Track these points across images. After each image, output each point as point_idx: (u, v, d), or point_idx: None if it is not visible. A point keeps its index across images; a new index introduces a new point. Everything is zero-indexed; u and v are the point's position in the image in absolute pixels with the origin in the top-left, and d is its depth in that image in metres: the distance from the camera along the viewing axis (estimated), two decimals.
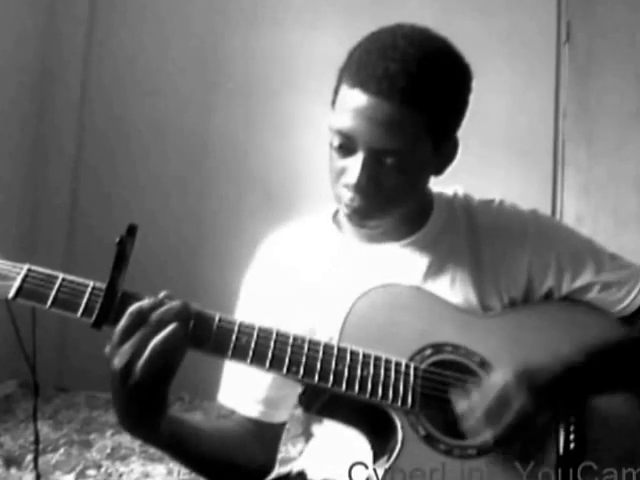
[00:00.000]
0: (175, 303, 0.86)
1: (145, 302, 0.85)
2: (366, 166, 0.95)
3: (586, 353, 0.96)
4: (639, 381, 1.01)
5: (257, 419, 1.08)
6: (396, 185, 0.97)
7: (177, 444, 0.97)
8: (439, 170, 1.05)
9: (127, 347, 0.83)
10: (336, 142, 0.97)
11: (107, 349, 0.84)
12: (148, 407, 0.87)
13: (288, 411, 1.10)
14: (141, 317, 0.84)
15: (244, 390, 1.08)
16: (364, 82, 0.93)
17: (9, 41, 3.17)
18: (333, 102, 1.00)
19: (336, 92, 0.99)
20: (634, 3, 3.25)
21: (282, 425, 1.12)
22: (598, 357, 0.97)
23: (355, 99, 0.93)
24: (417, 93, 0.92)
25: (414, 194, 1.04)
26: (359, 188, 0.96)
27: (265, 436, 1.09)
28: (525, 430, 0.89)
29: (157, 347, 0.82)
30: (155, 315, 0.84)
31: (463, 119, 1.02)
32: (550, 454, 0.93)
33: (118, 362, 0.83)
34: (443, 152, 1.02)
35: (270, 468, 1.11)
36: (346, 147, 0.97)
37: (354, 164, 0.96)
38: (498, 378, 0.90)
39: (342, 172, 0.99)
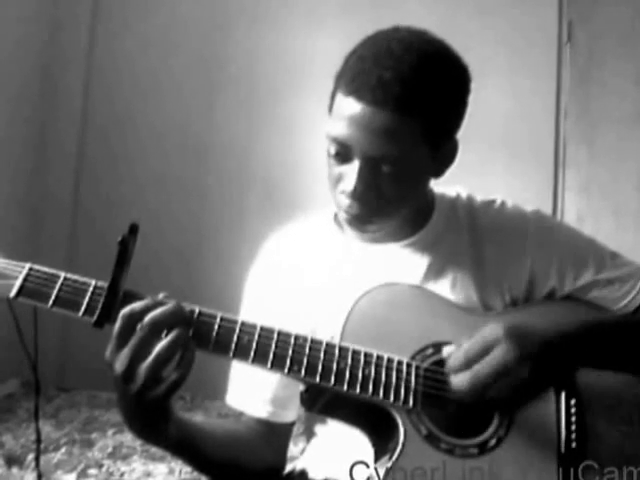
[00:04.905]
0: (168, 305, 0.85)
1: (136, 305, 0.85)
2: (362, 174, 0.95)
3: (580, 322, 0.96)
4: (633, 358, 1.01)
5: (266, 420, 1.08)
6: (394, 191, 0.97)
7: (186, 447, 0.97)
8: (438, 173, 1.04)
9: (126, 351, 0.83)
10: (332, 150, 0.97)
11: (107, 354, 0.84)
12: (153, 412, 0.87)
13: (296, 411, 1.10)
14: (133, 320, 0.83)
15: (252, 391, 1.09)
16: (358, 90, 0.92)
17: (12, 42, 3.17)
18: (330, 108, 1.00)
19: (332, 98, 0.99)
20: (635, 4, 3.25)
21: (291, 425, 1.12)
22: (592, 327, 0.97)
23: (350, 107, 0.93)
24: (412, 101, 0.92)
25: (413, 198, 1.03)
26: (356, 195, 0.96)
27: (274, 436, 1.09)
28: (503, 377, 0.87)
29: (162, 352, 0.83)
30: (148, 318, 0.83)
31: (462, 121, 1.02)
32: (551, 453, 0.93)
33: (119, 366, 0.83)
34: (441, 155, 1.01)
35: (280, 468, 1.11)
36: (342, 154, 0.97)
37: (351, 171, 0.96)
38: (487, 327, 0.91)
39: (339, 179, 0.99)
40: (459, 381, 0.88)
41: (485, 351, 0.88)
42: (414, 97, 0.92)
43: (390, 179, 0.96)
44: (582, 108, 3.27)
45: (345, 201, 0.98)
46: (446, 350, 0.92)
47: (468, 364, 0.88)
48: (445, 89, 0.96)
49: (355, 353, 0.92)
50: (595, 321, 0.99)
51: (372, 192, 0.96)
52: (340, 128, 0.95)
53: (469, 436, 0.93)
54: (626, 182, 3.22)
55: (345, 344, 0.92)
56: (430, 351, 0.96)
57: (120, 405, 0.88)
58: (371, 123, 0.92)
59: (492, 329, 0.90)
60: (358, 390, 0.90)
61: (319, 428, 1.09)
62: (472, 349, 0.89)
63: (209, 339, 0.89)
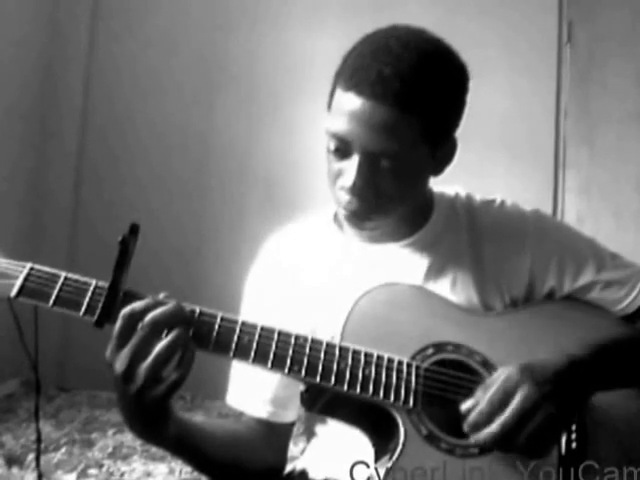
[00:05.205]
0: (169, 305, 0.86)
1: (137, 304, 0.85)
2: (362, 169, 0.95)
3: (590, 348, 0.95)
4: None
5: (266, 420, 1.08)
6: (392, 187, 0.97)
7: (186, 447, 0.97)
8: (437, 171, 1.05)
9: (126, 351, 0.83)
10: (332, 145, 0.97)
11: (107, 353, 0.84)
12: (153, 412, 0.87)
13: (296, 411, 1.10)
14: (134, 320, 0.84)
15: (252, 391, 1.09)
16: (358, 85, 0.92)
17: (12, 42, 3.17)
18: (329, 105, 1.00)
19: (331, 95, 0.99)
20: (635, 4, 3.25)
21: (291, 425, 1.12)
22: (602, 352, 0.96)
23: (350, 102, 0.93)
24: (411, 96, 0.92)
25: (412, 196, 1.03)
26: (355, 191, 0.96)
27: (275, 437, 1.09)
28: (529, 422, 0.86)
29: (162, 352, 0.83)
30: (148, 318, 0.84)
31: (461, 120, 1.02)
32: (551, 453, 0.93)
33: (119, 366, 0.83)
34: (440, 154, 1.02)
35: (280, 468, 1.11)
36: (342, 150, 0.97)
37: (350, 167, 0.96)
38: (500, 372, 0.90)
39: (339, 175, 0.99)
40: (488, 435, 0.86)
41: (506, 399, 0.87)
42: (413, 93, 0.92)
43: (389, 175, 0.96)
44: (582, 108, 3.27)
45: (344, 197, 0.98)
46: (464, 406, 0.90)
47: (492, 416, 0.87)
48: (444, 86, 0.96)
49: (355, 353, 0.92)
50: (603, 343, 0.98)
51: (371, 188, 0.96)
52: (340, 123, 0.95)
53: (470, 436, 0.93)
54: (626, 183, 3.22)
55: (345, 344, 0.92)
56: (430, 351, 0.96)
57: (120, 405, 0.88)
58: (371, 118, 0.92)
59: (506, 373, 0.89)
60: (358, 390, 0.90)
61: (319, 428, 1.09)
62: (494, 400, 0.87)
63: (209, 339, 0.89)
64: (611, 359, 0.98)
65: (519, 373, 0.88)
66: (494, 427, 0.86)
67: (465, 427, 0.89)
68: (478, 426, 0.87)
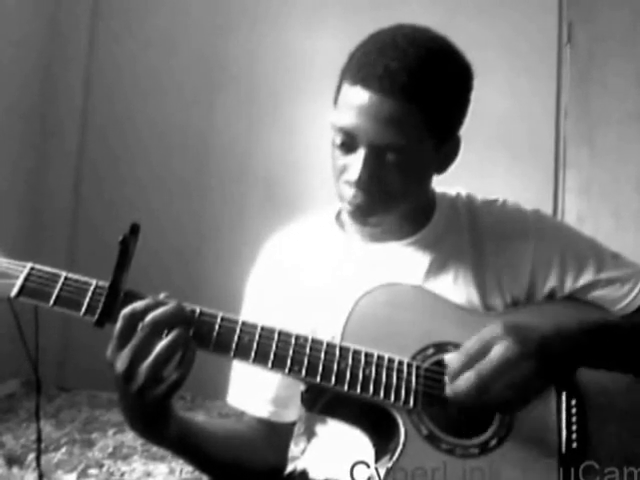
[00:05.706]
0: (169, 305, 0.86)
1: (138, 304, 0.85)
2: (368, 162, 0.96)
3: (581, 324, 0.95)
4: (634, 360, 0.99)
5: (267, 419, 1.08)
6: (397, 182, 0.98)
7: (187, 446, 0.97)
8: (441, 169, 1.05)
9: (126, 351, 0.83)
10: (338, 140, 0.98)
11: (108, 353, 0.84)
12: (154, 412, 0.87)
13: (297, 410, 1.10)
14: (134, 320, 0.84)
15: (253, 391, 1.09)
16: (365, 79, 0.93)
17: (12, 42, 3.17)
18: (335, 100, 1.00)
19: (338, 90, 1.00)
20: (635, 4, 3.25)
21: (292, 425, 1.12)
22: (594, 329, 0.96)
23: (357, 96, 0.94)
24: (418, 91, 0.93)
25: (415, 191, 1.04)
26: (361, 184, 0.97)
27: (275, 436, 1.09)
28: (505, 375, 0.85)
29: (162, 352, 0.83)
30: (149, 318, 0.84)
31: (465, 117, 1.02)
32: (552, 453, 0.93)
33: (120, 366, 0.83)
34: (445, 150, 1.02)
35: (281, 468, 1.11)
36: (348, 144, 0.97)
37: (356, 161, 0.97)
38: (485, 328, 0.90)
39: (344, 169, 0.99)
40: (462, 383, 0.86)
41: (485, 350, 0.87)
42: (419, 88, 0.93)
43: (394, 169, 0.96)
44: (582, 109, 3.27)
45: (349, 191, 0.99)
46: (447, 357, 0.90)
47: (469, 364, 0.87)
48: (449, 83, 0.97)
49: (356, 353, 0.92)
50: (595, 321, 0.99)
51: (376, 181, 0.97)
52: (346, 118, 0.95)
53: (470, 436, 0.93)
54: (626, 183, 3.22)
55: (346, 344, 0.92)
56: (431, 351, 0.96)
57: (121, 405, 0.88)
58: (378, 112, 0.92)
59: (490, 328, 0.89)
60: (359, 390, 0.90)
61: (320, 428, 1.09)
62: (472, 349, 0.88)
63: (210, 339, 0.89)
64: (602, 336, 0.97)
65: (502, 330, 0.88)
66: (470, 374, 0.86)
67: (446, 378, 0.89)
68: (456, 375, 0.88)
